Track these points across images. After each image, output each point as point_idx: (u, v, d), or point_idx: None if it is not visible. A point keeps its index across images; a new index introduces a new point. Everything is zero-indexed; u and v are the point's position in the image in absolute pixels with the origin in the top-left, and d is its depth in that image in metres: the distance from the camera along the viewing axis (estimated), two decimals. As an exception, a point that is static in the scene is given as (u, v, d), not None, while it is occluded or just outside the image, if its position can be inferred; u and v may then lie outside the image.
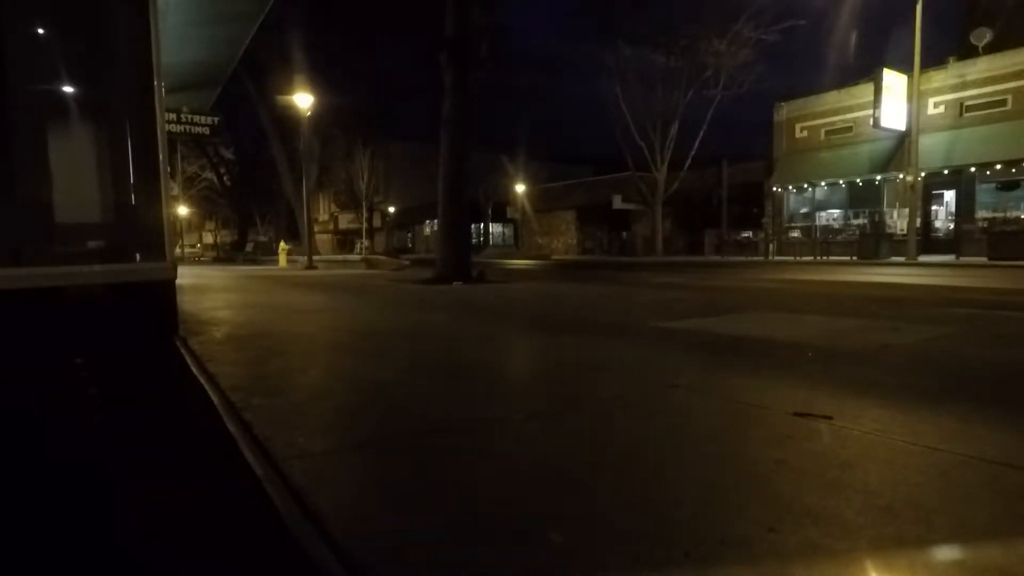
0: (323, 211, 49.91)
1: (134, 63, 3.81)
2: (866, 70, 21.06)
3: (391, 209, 42.20)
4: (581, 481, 1.55)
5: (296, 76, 22.82)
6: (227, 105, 32.18)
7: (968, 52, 20.43)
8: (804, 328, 4.18)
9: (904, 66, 19.10)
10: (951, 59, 20.15)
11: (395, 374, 2.96)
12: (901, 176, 19.35)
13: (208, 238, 63.25)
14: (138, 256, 3.84)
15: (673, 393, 2.45)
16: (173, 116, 13.90)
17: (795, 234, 23.12)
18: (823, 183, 22.65)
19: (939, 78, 19.56)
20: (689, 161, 25.60)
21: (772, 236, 23.13)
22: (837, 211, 22.91)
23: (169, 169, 4.21)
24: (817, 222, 23.00)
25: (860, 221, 21.95)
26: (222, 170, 44.37)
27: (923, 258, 17.21)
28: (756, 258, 22.11)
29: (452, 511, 1.38)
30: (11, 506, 1.62)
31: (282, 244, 25.16)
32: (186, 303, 6.39)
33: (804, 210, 23.81)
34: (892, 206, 21.10)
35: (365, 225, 38.83)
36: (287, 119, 27.88)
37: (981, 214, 19.24)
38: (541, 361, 3.42)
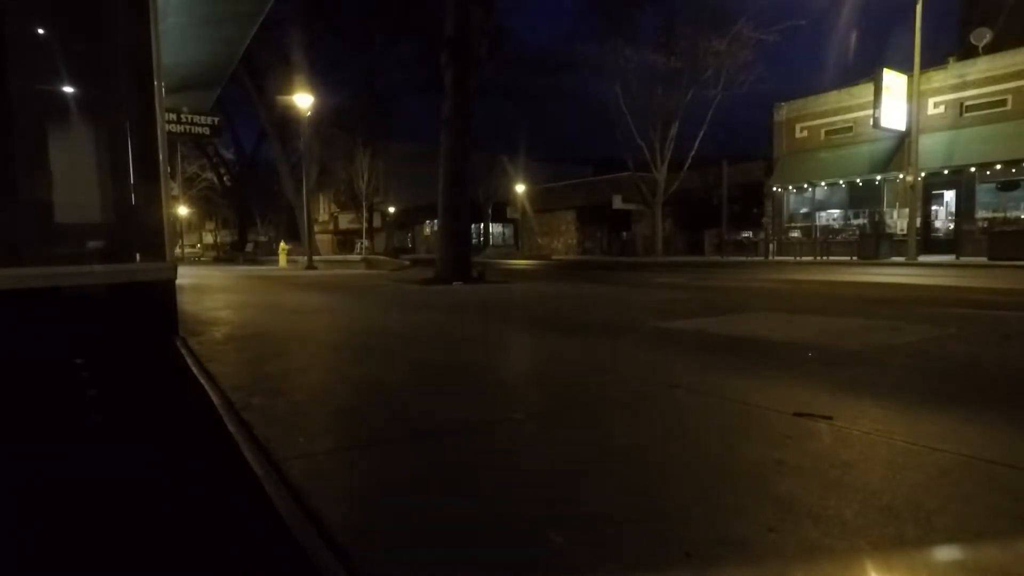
0: (323, 211, 49.89)
1: (134, 63, 3.80)
2: (866, 70, 21.10)
3: (391, 209, 42.18)
4: (581, 481, 1.55)
5: (296, 76, 22.82)
6: (227, 105, 32.28)
7: (968, 52, 20.44)
8: (804, 328, 4.18)
9: (904, 66, 19.10)
10: (951, 59, 20.16)
11: (395, 374, 2.96)
12: (901, 176, 19.35)
13: (208, 238, 63.23)
14: (138, 256, 3.84)
15: (673, 393, 2.45)
16: (173, 116, 13.89)
17: (795, 234, 23.12)
18: (823, 183, 22.66)
19: (939, 78, 19.57)
20: (689, 161, 25.61)
21: (772, 236, 23.13)
22: (837, 211, 22.92)
23: (169, 169, 4.20)
24: (817, 222, 23.00)
25: (860, 221, 21.96)
26: (222, 170, 44.36)
27: (923, 258, 17.20)
28: (756, 258, 22.12)
29: (452, 511, 1.38)
30: (11, 506, 1.62)
31: (282, 244, 25.18)
32: (186, 303, 6.39)
33: (804, 210, 23.82)
34: (892, 206, 21.11)
35: (365, 225, 38.81)
36: (287, 119, 27.89)
37: (981, 214, 19.24)
38: (541, 361, 3.42)
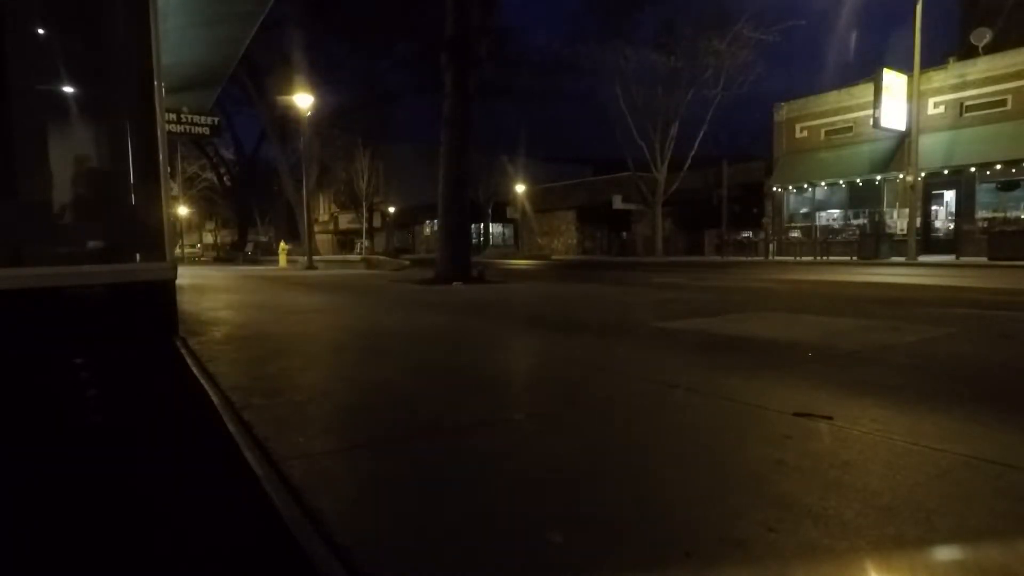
0: (323, 211, 49.90)
1: (134, 63, 3.80)
2: (866, 70, 21.10)
3: (391, 209, 42.20)
4: (580, 481, 1.55)
5: (296, 76, 22.82)
6: (227, 105, 32.31)
7: (968, 52, 20.43)
8: (804, 328, 4.18)
9: (904, 66, 19.11)
10: (951, 59, 20.16)
11: (395, 374, 2.96)
12: (901, 176, 19.35)
13: (208, 238, 63.24)
14: (138, 256, 3.84)
15: (673, 393, 2.44)
16: (173, 116, 13.85)
17: (795, 234, 23.12)
18: (823, 183, 22.66)
19: (939, 78, 19.57)
20: (689, 161, 25.62)
21: (772, 236, 23.13)
22: (837, 211, 22.92)
23: (169, 169, 4.20)
24: (817, 222, 23.00)
25: (860, 221, 21.96)
26: (222, 170, 44.37)
27: (923, 258, 17.21)
28: (756, 258, 22.12)
29: (452, 511, 1.38)
30: (11, 506, 1.62)
31: (282, 244, 25.18)
32: (186, 303, 6.39)
33: (804, 210, 23.82)
34: (892, 206, 21.11)
35: (365, 225, 38.82)
36: (287, 119, 27.91)
37: (981, 214, 19.24)
38: (541, 361, 3.42)
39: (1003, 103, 18.52)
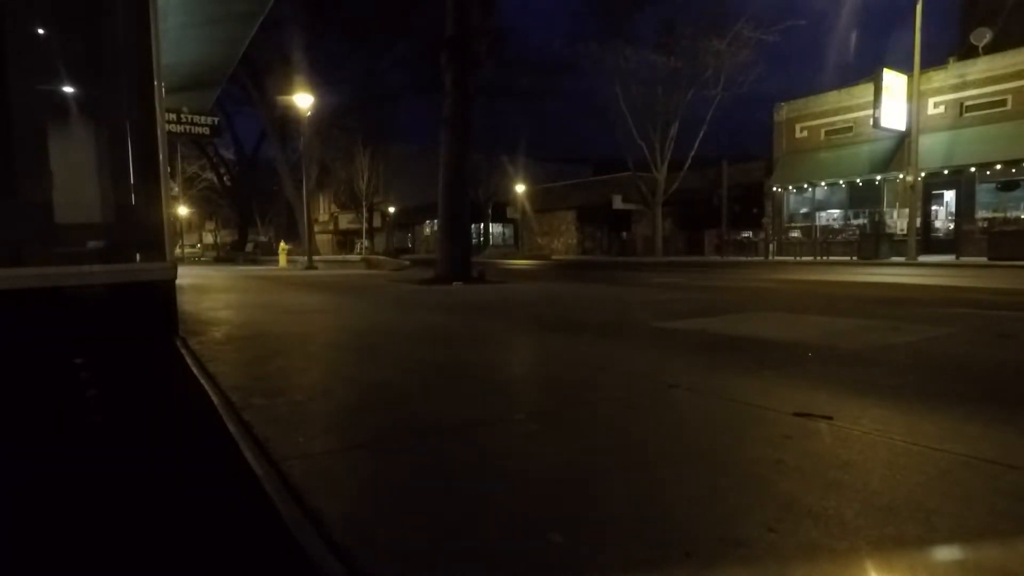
0: (323, 211, 49.89)
1: (134, 63, 3.81)
2: (866, 70, 21.11)
3: (391, 209, 42.20)
4: (580, 481, 1.55)
5: (296, 76, 22.82)
6: (227, 105, 32.31)
7: (968, 52, 20.44)
8: (804, 328, 4.18)
9: (904, 66, 19.12)
10: (951, 59, 20.17)
11: (395, 374, 2.96)
12: (901, 176, 19.35)
13: (208, 238, 63.24)
14: (138, 256, 3.84)
15: (672, 393, 2.44)
16: (173, 116, 13.84)
17: (795, 234, 23.14)
18: (823, 183, 22.66)
19: (939, 78, 19.57)
20: (689, 161, 25.61)
21: (772, 236, 23.14)
22: (837, 211, 22.94)
23: (169, 169, 4.20)
24: (817, 222, 23.02)
25: (860, 221, 21.97)
26: (222, 170, 44.34)
27: (923, 258, 17.21)
28: (756, 258, 22.13)
29: (452, 511, 1.38)
30: (11, 506, 1.62)
31: (282, 244, 25.18)
32: (186, 303, 6.39)
33: (804, 210, 23.83)
34: (892, 206, 21.12)
35: (365, 225, 38.82)
36: (287, 119, 27.89)
37: (981, 214, 19.25)
38: (541, 361, 3.42)
39: (1003, 103, 18.52)
